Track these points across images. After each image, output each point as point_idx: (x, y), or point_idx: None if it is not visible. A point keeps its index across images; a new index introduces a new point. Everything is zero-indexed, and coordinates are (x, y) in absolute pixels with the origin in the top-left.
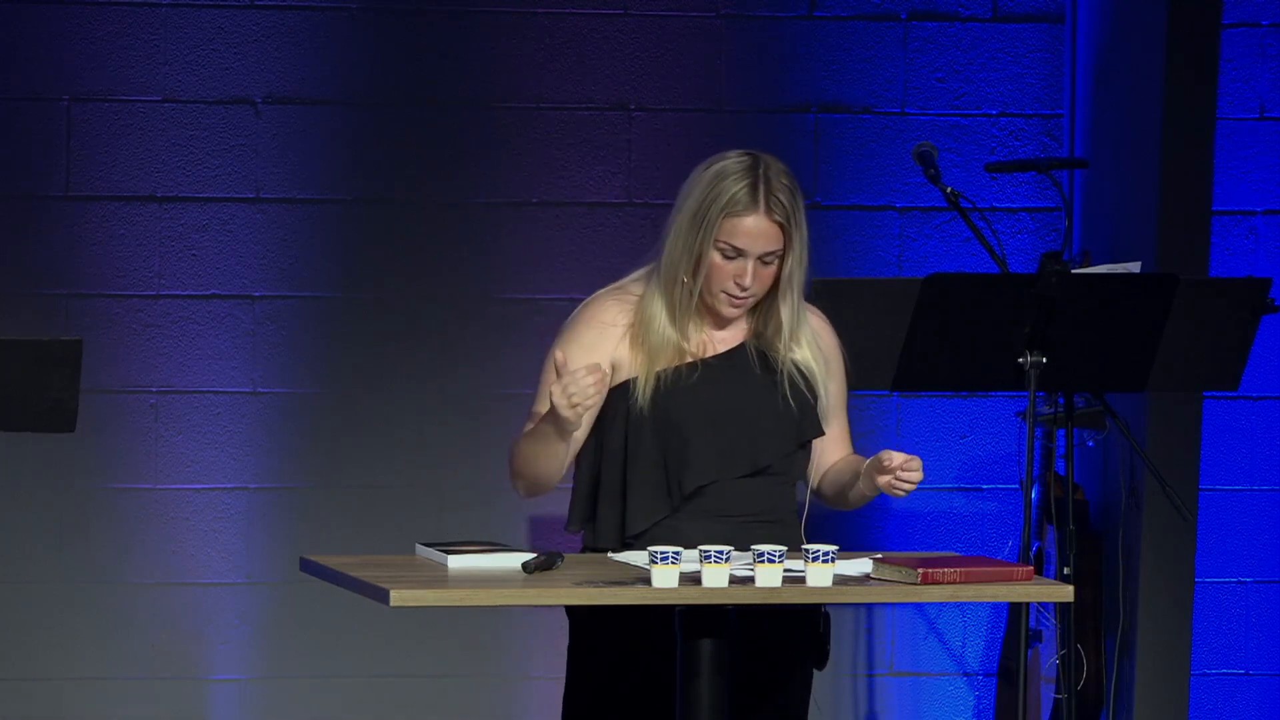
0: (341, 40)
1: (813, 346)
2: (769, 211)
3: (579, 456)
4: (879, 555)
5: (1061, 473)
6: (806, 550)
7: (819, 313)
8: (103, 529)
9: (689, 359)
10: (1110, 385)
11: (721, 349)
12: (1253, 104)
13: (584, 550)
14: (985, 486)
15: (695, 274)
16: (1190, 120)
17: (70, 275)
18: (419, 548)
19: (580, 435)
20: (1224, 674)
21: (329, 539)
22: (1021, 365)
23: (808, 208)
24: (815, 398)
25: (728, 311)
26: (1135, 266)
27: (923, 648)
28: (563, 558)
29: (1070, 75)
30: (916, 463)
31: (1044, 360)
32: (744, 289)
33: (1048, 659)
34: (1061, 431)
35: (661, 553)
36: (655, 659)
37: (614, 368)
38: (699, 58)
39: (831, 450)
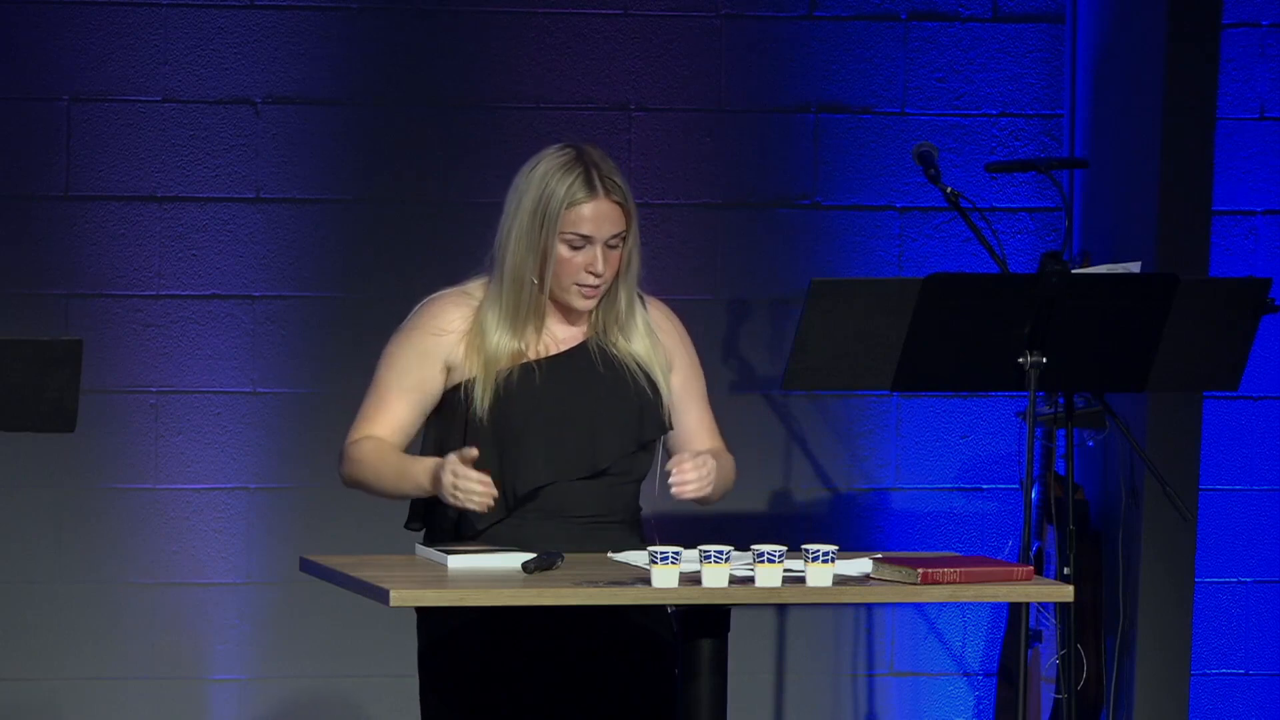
0: (341, 40)
1: (650, 337)
2: (608, 194)
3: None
4: (879, 555)
5: (1061, 473)
6: (806, 550)
7: (663, 305)
8: (103, 529)
9: (527, 360)
10: (1110, 385)
11: (563, 349)
12: (1253, 104)
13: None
14: (985, 486)
15: (543, 273)
16: (1190, 120)
17: (70, 275)
18: (419, 548)
19: (414, 418)
20: (1224, 674)
21: (329, 539)
22: (1021, 365)
23: (806, 208)
24: (658, 393)
25: (581, 304)
26: (1135, 266)
27: (923, 648)
28: (562, 558)
29: (1070, 75)
30: (687, 465)
31: (1044, 360)
32: (597, 275)
33: (1048, 659)
34: (1061, 431)
35: (661, 553)
36: (515, 666)
37: (449, 370)
38: (699, 58)
39: (693, 442)
